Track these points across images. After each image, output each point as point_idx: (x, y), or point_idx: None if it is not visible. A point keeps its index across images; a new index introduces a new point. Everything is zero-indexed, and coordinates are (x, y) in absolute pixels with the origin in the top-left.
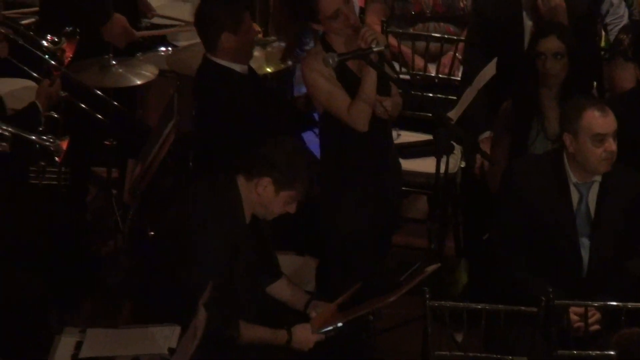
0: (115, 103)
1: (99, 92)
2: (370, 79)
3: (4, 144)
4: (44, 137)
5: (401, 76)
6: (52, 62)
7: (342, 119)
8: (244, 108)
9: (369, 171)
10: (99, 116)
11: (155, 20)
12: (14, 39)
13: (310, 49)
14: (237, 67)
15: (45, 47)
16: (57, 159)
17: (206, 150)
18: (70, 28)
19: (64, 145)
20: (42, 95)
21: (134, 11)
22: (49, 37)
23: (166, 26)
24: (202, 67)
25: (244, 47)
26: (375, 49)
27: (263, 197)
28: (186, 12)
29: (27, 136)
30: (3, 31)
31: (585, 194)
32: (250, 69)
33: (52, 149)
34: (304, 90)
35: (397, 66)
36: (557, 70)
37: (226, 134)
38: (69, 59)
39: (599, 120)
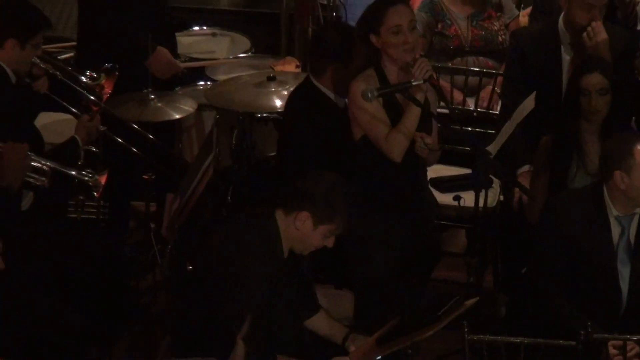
0: (152, 137)
1: (137, 128)
2: (413, 113)
3: (42, 178)
4: (83, 172)
5: (440, 110)
6: (91, 98)
7: (379, 146)
8: (330, 136)
9: (401, 205)
10: (137, 151)
11: (195, 54)
12: (53, 73)
13: (363, 72)
14: (333, 97)
15: (84, 82)
16: (95, 193)
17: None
18: (110, 65)
19: (103, 180)
20: (82, 130)
21: (172, 45)
22: (88, 73)
23: (209, 59)
24: (301, 87)
25: (347, 80)
26: (414, 83)
27: (301, 231)
28: (225, 46)
29: (66, 171)
30: (43, 66)
31: (626, 227)
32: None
33: (90, 183)
34: None
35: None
36: (601, 106)
37: (306, 156)
38: (108, 95)
39: None
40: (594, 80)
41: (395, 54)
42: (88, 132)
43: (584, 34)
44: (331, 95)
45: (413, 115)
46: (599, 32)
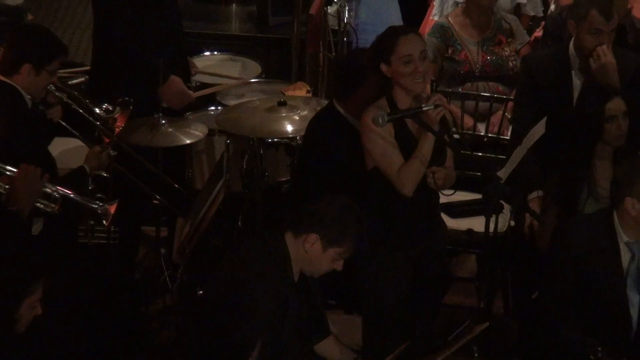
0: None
1: (146, 162)
2: (426, 142)
3: (52, 205)
4: (93, 202)
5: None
6: (103, 130)
7: (391, 179)
8: (349, 161)
9: (412, 232)
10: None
11: (206, 79)
12: (67, 103)
13: (375, 102)
14: (354, 123)
15: (98, 114)
16: (105, 222)
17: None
18: (126, 98)
19: (112, 209)
20: (92, 161)
21: (185, 73)
22: (104, 106)
23: (216, 85)
24: (324, 110)
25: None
26: (425, 109)
27: (310, 253)
28: (236, 71)
29: (77, 200)
30: (58, 94)
31: (637, 253)
32: None
33: (99, 212)
34: None
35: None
36: (626, 129)
37: (323, 180)
38: (120, 128)
39: None
40: (619, 104)
41: (406, 84)
42: (98, 162)
43: (590, 58)
44: (353, 120)
45: (427, 144)
46: (604, 55)
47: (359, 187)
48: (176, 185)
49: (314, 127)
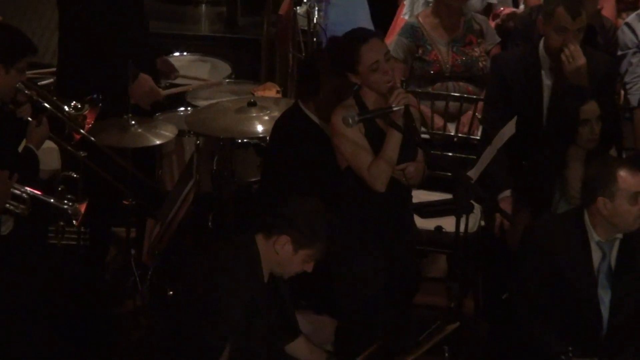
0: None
1: (117, 158)
2: (393, 139)
3: (22, 206)
4: (63, 201)
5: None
6: (73, 127)
7: (363, 176)
8: (315, 162)
9: (384, 231)
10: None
11: (177, 80)
12: (37, 101)
13: (343, 102)
14: (320, 124)
15: (67, 112)
16: (75, 222)
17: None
18: (94, 96)
19: (82, 208)
20: (34, 137)
21: (153, 71)
22: (73, 103)
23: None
24: (290, 111)
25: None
26: (395, 108)
27: (281, 255)
28: (205, 72)
29: (46, 200)
30: (27, 93)
31: (607, 252)
32: None
33: (70, 212)
34: None
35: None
36: (598, 133)
37: (290, 181)
38: (90, 125)
39: (634, 179)
40: (593, 108)
41: (377, 88)
42: (40, 137)
43: (563, 57)
44: (318, 121)
45: (395, 140)
46: (578, 57)
47: (328, 187)
48: (149, 182)
49: (280, 128)
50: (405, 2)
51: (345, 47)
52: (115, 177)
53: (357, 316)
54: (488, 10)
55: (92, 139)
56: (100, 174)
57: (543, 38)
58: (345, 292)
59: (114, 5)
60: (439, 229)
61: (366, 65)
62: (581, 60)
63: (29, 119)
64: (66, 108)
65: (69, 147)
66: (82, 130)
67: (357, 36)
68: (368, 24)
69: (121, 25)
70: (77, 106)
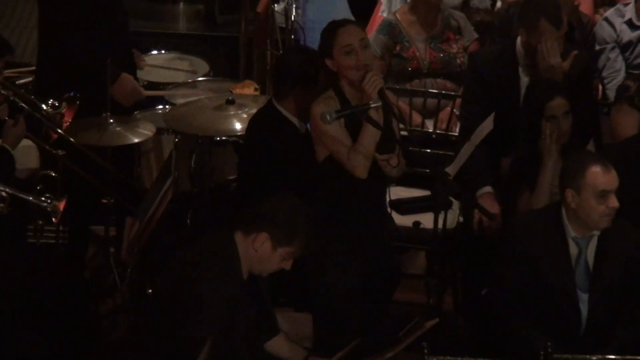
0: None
1: (94, 157)
2: (367, 132)
3: (1, 205)
4: (42, 198)
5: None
6: (50, 126)
7: (344, 165)
8: (291, 160)
9: (359, 226)
10: (95, 176)
11: (154, 78)
12: (14, 100)
13: (323, 94)
14: (296, 122)
15: (45, 110)
16: (54, 219)
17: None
18: (72, 94)
19: (61, 205)
20: (10, 137)
21: (133, 70)
22: (50, 101)
23: (168, 84)
24: (263, 110)
25: (309, 105)
26: (372, 105)
27: (260, 252)
28: (184, 68)
29: (25, 197)
30: (4, 92)
31: (584, 249)
32: (307, 131)
33: (49, 209)
34: None
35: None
36: (567, 127)
37: (266, 179)
38: (67, 123)
39: (603, 177)
40: (560, 104)
41: (350, 75)
42: (16, 137)
43: (539, 52)
44: (293, 119)
45: (369, 133)
46: (554, 54)
47: (303, 184)
48: (127, 180)
49: (255, 127)
50: (382, 0)
51: (325, 32)
52: (94, 175)
53: (332, 311)
54: (465, 4)
55: (71, 138)
56: (79, 172)
57: (520, 35)
58: (319, 286)
59: (94, 3)
60: (416, 224)
61: (339, 48)
62: (556, 58)
63: (6, 118)
64: (44, 107)
65: (46, 146)
66: (59, 130)
67: (337, 22)
68: None
69: (101, 24)
70: (54, 104)
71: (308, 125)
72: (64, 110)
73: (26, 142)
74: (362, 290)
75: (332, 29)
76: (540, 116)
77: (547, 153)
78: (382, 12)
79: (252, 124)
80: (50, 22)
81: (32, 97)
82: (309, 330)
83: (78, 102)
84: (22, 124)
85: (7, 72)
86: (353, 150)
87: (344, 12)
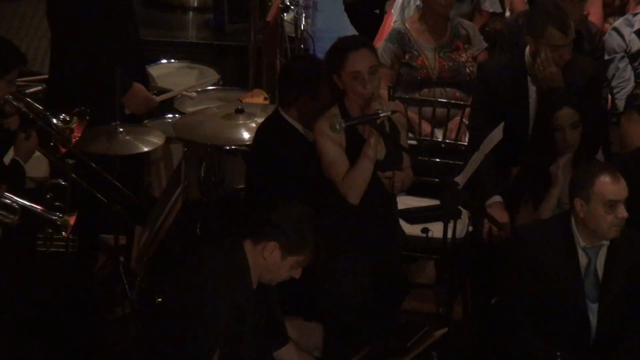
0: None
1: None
2: (363, 163)
3: (12, 216)
4: (52, 212)
5: (408, 141)
6: (59, 139)
7: (337, 187)
8: (298, 169)
9: (366, 238)
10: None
11: (162, 84)
12: (25, 112)
13: (327, 111)
14: (303, 130)
15: (55, 124)
16: (64, 233)
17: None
18: (82, 108)
19: (72, 220)
20: (22, 150)
21: (144, 79)
22: (62, 116)
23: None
24: (270, 118)
25: (316, 113)
26: (382, 115)
27: (269, 261)
28: (193, 79)
29: (35, 210)
30: (15, 104)
31: (593, 258)
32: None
33: (59, 223)
34: None
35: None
36: (575, 139)
37: (274, 188)
38: (77, 138)
39: (612, 187)
40: (566, 115)
41: (354, 98)
42: (28, 151)
43: (537, 64)
44: (300, 127)
45: (363, 165)
46: (548, 65)
47: (312, 193)
48: (130, 194)
49: (262, 135)
50: (393, 11)
51: (336, 49)
52: (104, 184)
53: (341, 321)
54: (477, 5)
55: (79, 154)
56: (87, 183)
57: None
58: (328, 295)
59: (106, 14)
60: (425, 230)
61: (348, 72)
62: (551, 67)
63: (18, 130)
64: (54, 120)
65: (54, 159)
66: (68, 144)
67: (350, 42)
68: (354, 31)
69: (112, 34)
70: (65, 119)
71: None
72: (74, 125)
73: (36, 153)
74: (371, 299)
75: (344, 49)
76: (548, 126)
77: (556, 168)
78: (393, 23)
79: (259, 133)
80: (60, 32)
81: (44, 109)
82: (318, 340)
83: (88, 117)
84: (35, 139)
85: (18, 81)
86: (347, 177)
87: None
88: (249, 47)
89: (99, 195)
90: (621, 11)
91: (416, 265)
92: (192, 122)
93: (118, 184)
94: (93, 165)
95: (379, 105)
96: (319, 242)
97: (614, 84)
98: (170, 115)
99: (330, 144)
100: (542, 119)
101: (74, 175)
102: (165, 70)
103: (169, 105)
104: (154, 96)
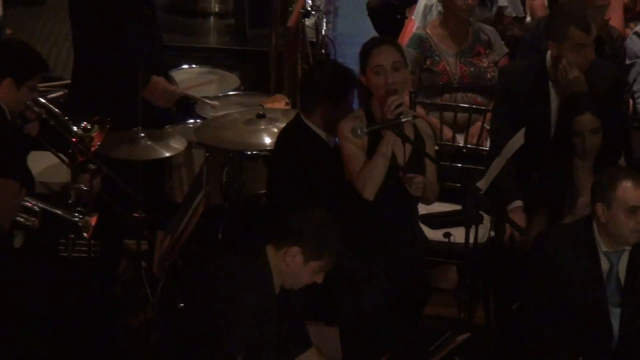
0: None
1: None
2: (378, 160)
3: (33, 219)
4: (73, 213)
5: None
6: (79, 147)
7: (353, 182)
8: (319, 174)
9: (386, 242)
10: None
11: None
12: (46, 119)
13: (352, 112)
14: (324, 136)
15: (75, 132)
16: (85, 234)
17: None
18: (103, 117)
19: (93, 221)
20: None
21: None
22: (83, 124)
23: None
24: (291, 124)
25: (338, 119)
26: (403, 120)
27: (292, 266)
28: (214, 84)
29: (57, 212)
30: (36, 110)
31: (615, 263)
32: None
33: (80, 224)
34: None
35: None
36: (594, 145)
37: (295, 193)
38: (96, 146)
39: (634, 193)
40: (586, 120)
41: (377, 94)
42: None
43: (559, 69)
44: (321, 133)
45: (377, 161)
46: (570, 70)
47: (333, 198)
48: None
49: (283, 140)
50: (414, 17)
51: (363, 49)
52: (125, 189)
53: (362, 328)
54: (499, 12)
55: (98, 163)
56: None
57: (550, 50)
58: (348, 301)
59: (128, 20)
60: (447, 234)
61: (371, 67)
62: (574, 72)
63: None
64: (75, 128)
65: (74, 167)
66: (88, 153)
67: (375, 40)
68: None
69: (136, 39)
70: (86, 127)
71: (337, 139)
72: (95, 133)
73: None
74: (391, 304)
75: (369, 47)
76: (568, 131)
77: (579, 168)
78: (415, 29)
79: (281, 138)
80: (82, 36)
81: (66, 118)
82: (339, 345)
83: (108, 126)
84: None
85: (39, 86)
86: (361, 172)
87: (372, 26)
88: (270, 53)
89: (113, 203)
90: None
91: (438, 270)
92: (213, 128)
93: (137, 191)
94: (111, 173)
95: (399, 99)
96: (340, 246)
97: (635, 88)
98: (191, 121)
99: (351, 143)
100: (564, 124)
101: (95, 167)
102: (187, 75)
103: (190, 111)
104: (175, 87)
